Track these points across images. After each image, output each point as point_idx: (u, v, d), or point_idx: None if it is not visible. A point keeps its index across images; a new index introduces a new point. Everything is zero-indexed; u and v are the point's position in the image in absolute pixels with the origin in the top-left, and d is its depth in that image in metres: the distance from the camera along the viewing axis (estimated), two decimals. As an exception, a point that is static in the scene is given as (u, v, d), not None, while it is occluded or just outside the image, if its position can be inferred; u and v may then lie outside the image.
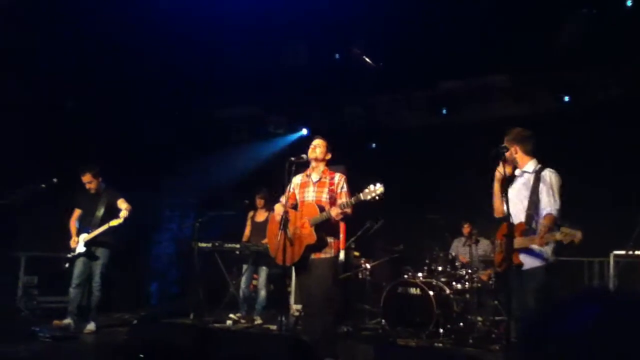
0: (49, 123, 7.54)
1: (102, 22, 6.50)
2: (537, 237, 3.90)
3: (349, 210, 4.35)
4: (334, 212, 4.28)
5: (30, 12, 6.38)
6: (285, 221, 4.39)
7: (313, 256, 4.43)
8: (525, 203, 4.05)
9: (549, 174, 4.08)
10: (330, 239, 4.47)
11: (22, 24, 6.45)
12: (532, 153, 4.21)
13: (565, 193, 4.02)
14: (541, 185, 4.05)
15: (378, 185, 4.13)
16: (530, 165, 4.17)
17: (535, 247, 3.95)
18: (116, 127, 8.36)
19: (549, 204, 3.93)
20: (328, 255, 4.44)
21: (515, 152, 4.18)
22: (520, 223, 4.04)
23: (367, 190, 4.16)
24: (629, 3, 5.72)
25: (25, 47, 6.72)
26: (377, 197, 4.11)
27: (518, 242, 3.95)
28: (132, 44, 6.85)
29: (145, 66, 7.33)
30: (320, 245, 4.40)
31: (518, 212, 4.01)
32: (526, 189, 4.10)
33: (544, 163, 4.20)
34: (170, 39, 6.80)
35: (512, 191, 4.13)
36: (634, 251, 5.68)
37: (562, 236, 3.78)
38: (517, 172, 4.23)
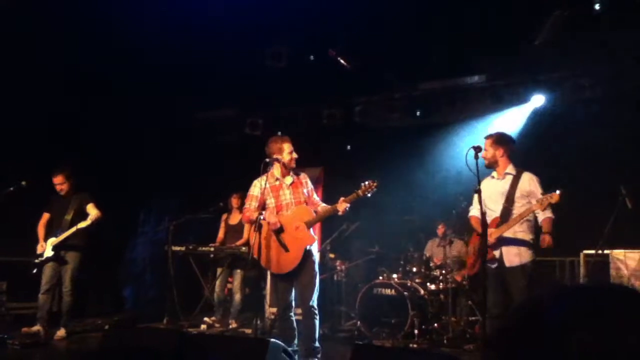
0: (26, 124, 7.37)
1: (86, 25, 6.41)
2: (510, 221, 4.05)
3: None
4: (342, 207, 4.29)
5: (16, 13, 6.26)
6: (259, 225, 4.35)
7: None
8: (503, 202, 4.15)
9: (532, 177, 4.20)
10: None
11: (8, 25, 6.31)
12: (512, 157, 4.32)
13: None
14: (527, 188, 4.15)
15: (371, 182, 4.30)
16: (511, 168, 4.28)
17: (519, 237, 4.08)
18: (94, 130, 8.21)
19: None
20: (313, 257, 4.47)
21: (501, 155, 4.27)
22: (496, 217, 4.13)
23: (364, 187, 4.27)
24: (597, 7, 5.86)
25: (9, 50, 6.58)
26: (374, 191, 4.27)
27: (495, 233, 4.06)
28: (116, 46, 6.76)
29: (125, 67, 7.22)
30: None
31: (497, 210, 4.18)
32: (505, 189, 4.19)
33: (521, 166, 4.31)
34: (152, 41, 6.72)
35: (492, 193, 4.22)
36: (603, 250, 5.81)
37: (538, 205, 3.89)
38: (493, 174, 4.32)
